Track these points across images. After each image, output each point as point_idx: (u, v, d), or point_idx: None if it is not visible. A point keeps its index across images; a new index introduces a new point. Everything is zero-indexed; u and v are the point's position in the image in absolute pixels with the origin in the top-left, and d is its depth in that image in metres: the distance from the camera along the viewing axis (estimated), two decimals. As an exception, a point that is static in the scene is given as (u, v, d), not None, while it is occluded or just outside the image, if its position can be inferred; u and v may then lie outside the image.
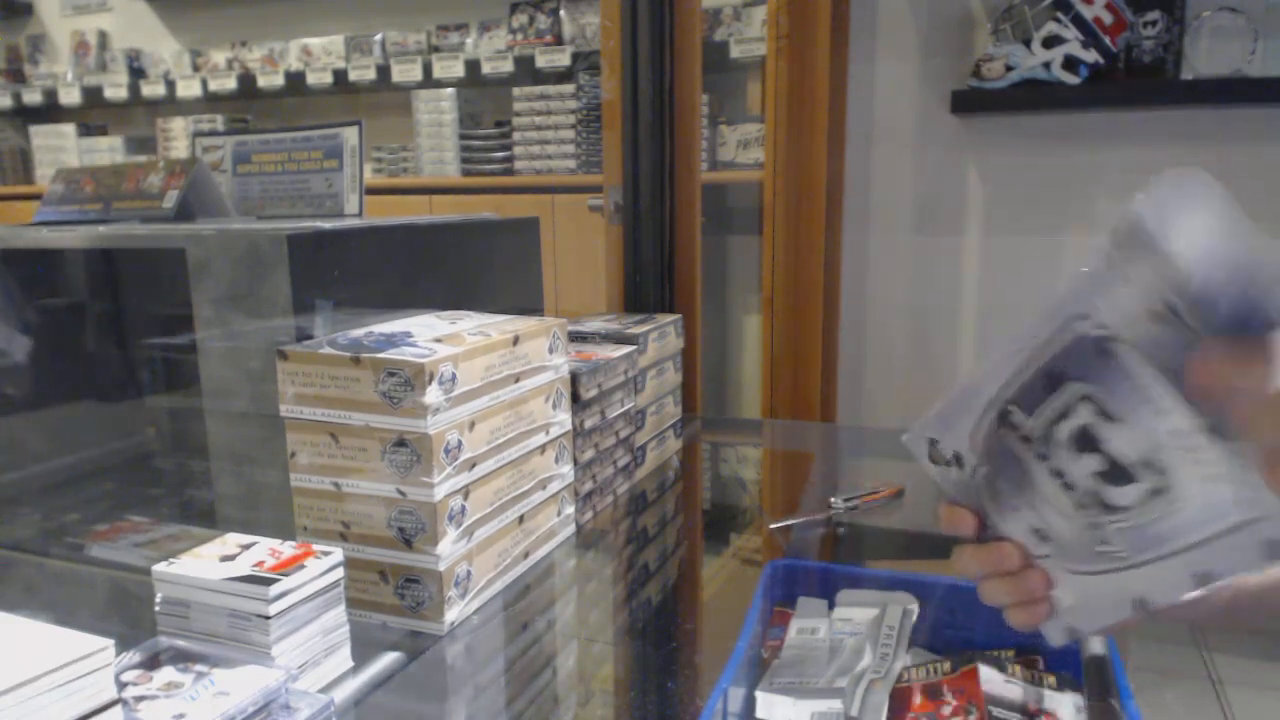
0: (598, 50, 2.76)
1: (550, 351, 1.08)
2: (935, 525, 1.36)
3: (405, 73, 3.32)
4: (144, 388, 1.27)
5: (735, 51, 2.81)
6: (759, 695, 0.75)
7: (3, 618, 0.60)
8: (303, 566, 0.77)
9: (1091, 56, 2.11)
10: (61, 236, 1.22)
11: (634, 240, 1.75)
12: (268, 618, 0.73)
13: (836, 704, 0.72)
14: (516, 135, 3.13)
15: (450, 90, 3.23)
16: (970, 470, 0.57)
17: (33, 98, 3.99)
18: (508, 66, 3.16)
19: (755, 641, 0.82)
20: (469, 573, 0.94)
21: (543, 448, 1.08)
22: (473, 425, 0.93)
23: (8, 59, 4.25)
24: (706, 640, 0.95)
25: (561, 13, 3.11)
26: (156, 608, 0.77)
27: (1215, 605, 0.59)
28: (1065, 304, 0.49)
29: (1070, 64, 2.12)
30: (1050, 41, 2.13)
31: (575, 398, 1.16)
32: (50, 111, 4.03)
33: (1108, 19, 2.10)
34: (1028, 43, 2.16)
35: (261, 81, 3.55)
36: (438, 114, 3.25)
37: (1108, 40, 2.10)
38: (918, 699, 0.73)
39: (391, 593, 0.91)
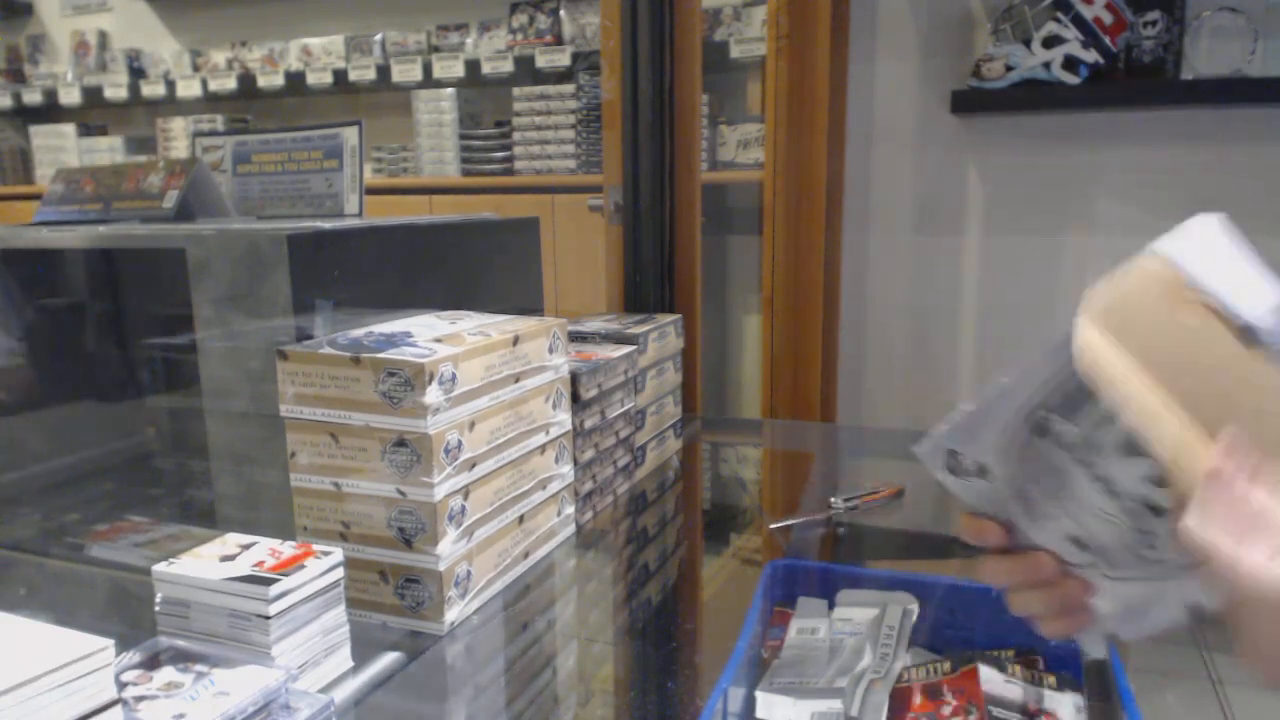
0: (598, 50, 2.76)
1: (550, 351, 1.08)
2: (935, 525, 1.36)
3: (405, 73, 3.32)
4: (144, 388, 1.27)
5: (735, 51, 2.81)
6: (759, 695, 0.75)
7: (3, 618, 0.60)
8: (303, 566, 0.77)
9: (1091, 56, 2.11)
10: (61, 236, 1.22)
11: (634, 240, 1.75)
12: (268, 618, 0.73)
13: (836, 704, 0.72)
14: (516, 135, 3.13)
15: (450, 90, 3.23)
16: (998, 481, 0.56)
17: (33, 98, 3.99)
18: (508, 66, 3.16)
19: (755, 641, 0.82)
20: (469, 573, 0.94)
21: (543, 448, 1.08)
22: (473, 425, 0.93)
23: (8, 59, 4.25)
24: (706, 640, 0.95)
25: (561, 13, 3.11)
26: (156, 608, 0.77)
27: None
28: None
29: (1070, 64, 2.12)
30: (1050, 41, 2.13)
31: (575, 398, 1.16)
32: (50, 111, 4.03)
33: (1108, 19, 2.10)
34: (1028, 43, 2.16)
35: (261, 81, 3.55)
36: (438, 114, 3.25)
37: (1108, 40, 2.10)
38: (918, 699, 0.73)
39: (391, 593, 0.91)
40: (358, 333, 0.97)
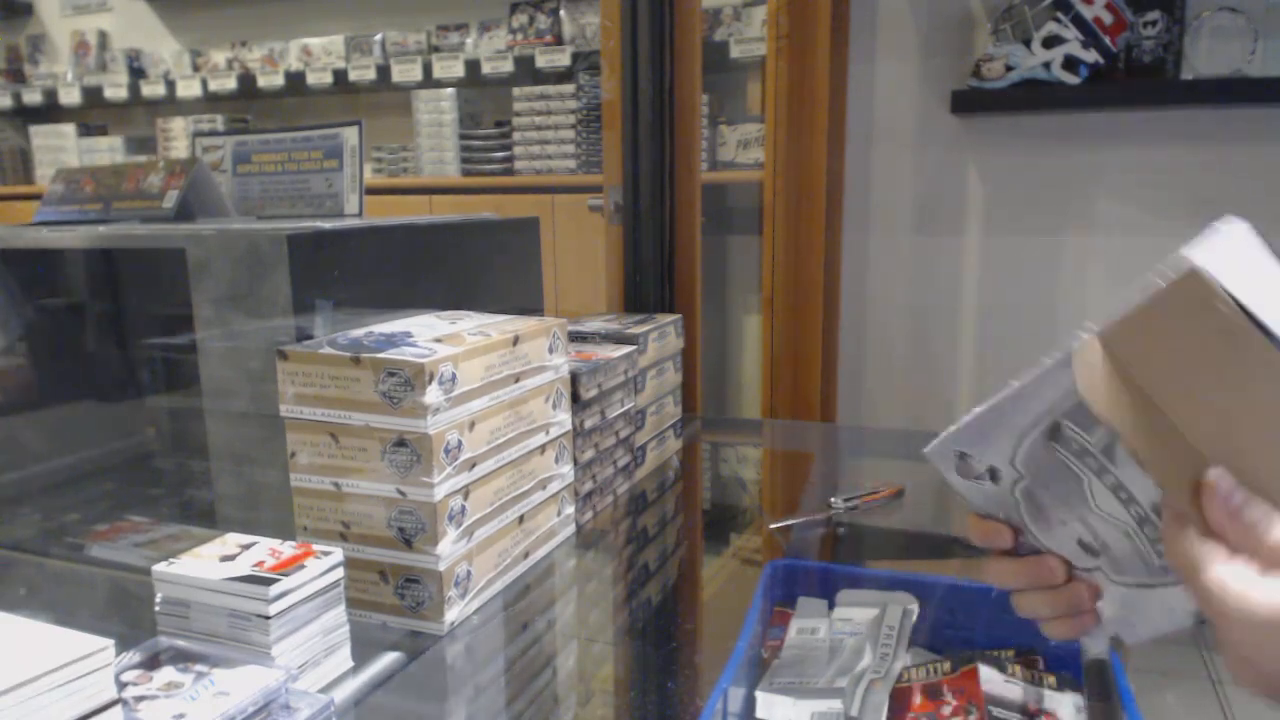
0: (598, 50, 2.76)
1: (550, 351, 1.08)
2: (935, 525, 1.36)
3: (405, 73, 3.32)
4: (144, 388, 1.27)
5: (735, 51, 2.81)
6: (759, 695, 0.75)
7: (3, 618, 0.60)
8: (303, 566, 0.77)
9: (1091, 56, 2.11)
10: (61, 236, 1.22)
11: (634, 240, 1.75)
12: (268, 618, 0.73)
13: (836, 704, 0.72)
14: (516, 135, 3.13)
15: (450, 90, 3.23)
16: (1008, 485, 0.56)
17: (33, 98, 3.99)
18: (508, 66, 3.16)
19: (755, 641, 0.82)
20: (469, 573, 0.94)
21: (543, 448, 1.08)
22: (473, 425, 0.93)
23: (8, 59, 4.25)
24: (706, 640, 0.95)
25: (561, 13, 3.11)
26: (156, 608, 0.77)
27: None
28: None
29: (1070, 64, 2.12)
30: (1050, 41, 2.13)
31: (575, 398, 1.16)
32: (50, 111, 4.03)
33: (1108, 19, 2.10)
34: (1028, 43, 2.16)
35: (261, 81, 3.55)
36: (438, 114, 3.25)
37: (1108, 40, 2.10)
38: (918, 699, 0.73)
39: (391, 593, 0.91)
40: (358, 333, 0.97)
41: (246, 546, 0.80)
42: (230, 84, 3.61)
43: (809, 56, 2.23)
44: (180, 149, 3.74)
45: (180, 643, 0.73)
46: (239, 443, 1.02)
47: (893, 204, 2.48)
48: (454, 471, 0.90)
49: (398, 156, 3.42)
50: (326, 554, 0.79)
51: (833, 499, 1.25)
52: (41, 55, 4.20)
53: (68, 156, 3.95)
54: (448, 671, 0.87)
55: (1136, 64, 2.16)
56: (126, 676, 0.67)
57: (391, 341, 0.92)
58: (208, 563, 0.77)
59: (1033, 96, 2.19)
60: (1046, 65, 2.14)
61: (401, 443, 0.87)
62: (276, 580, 0.74)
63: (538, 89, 3.08)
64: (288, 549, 0.80)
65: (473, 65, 3.21)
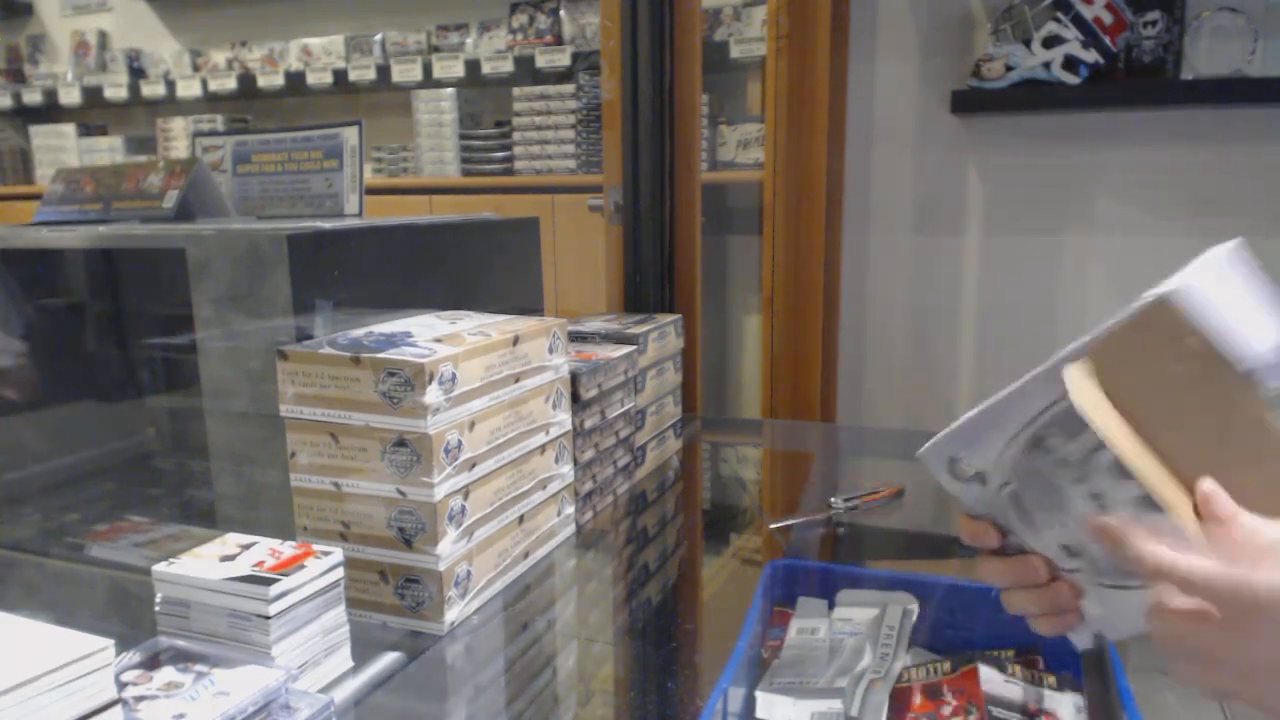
0: (598, 50, 2.76)
1: (550, 351, 1.08)
2: (935, 525, 1.36)
3: (405, 73, 3.32)
4: (144, 388, 1.27)
5: (735, 51, 2.81)
6: (759, 695, 0.75)
7: (3, 618, 0.60)
8: (303, 566, 0.77)
9: (1091, 56, 2.11)
10: (61, 236, 1.22)
11: (634, 240, 1.75)
12: (268, 618, 0.73)
13: (836, 704, 0.72)
14: (516, 135, 3.13)
15: (450, 90, 3.23)
16: (995, 488, 0.58)
17: (33, 98, 3.98)
18: (508, 66, 3.16)
19: (755, 641, 0.82)
20: (469, 573, 0.94)
21: (543, 448, 1.08)
22: (473, 425, 0.93)
23: (8, 59, 4.25)
24: (706, 640, 0.95)
25: (561, 13, 3.11)
26: (156, 608, 0.77)
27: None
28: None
29: (1070, 64, 2.12)
30: (1050, 41, 2.13)
31: (575, 398, 1.16)
32: (50, 111, 4.02)
33: (1108, 19, 2.10)
34: (1028, 43, 2.16)
35: (261, 81, 3.55)
36: (438, 114, 3.25)
37: (1108, 40, 2.10)
38: (918, 699, 0.73)
39: (391, 593, 0.91)
40: (358, 333, 0.97)
41: (246, 546, 0.80)
42: (230, 84, 3.61)
43: (809, 56, 2.23)
44: (180, 149, 3.73)
45: (180, 643, 0.73)
46: (239, 443, 1.02)
47: (893, 204, 2.48)
48: (454, 471, 0.90)
49: (398, 156, 3.42)
50: (326, 554, 0.79)
51: (833, 499, 1.25)
52: (41, 55, 4.20)
53: (68, 156, 3.95)
54: (448, 671, 0.87)
55: (1136, 64, 2.16)
56: (126, 676, 0.67)
57: (391, 341, 0.92)
58: (208, 563, 0.77)
59: (1033, 96, 2.19)
60: (1046, 65, 2.14)
61: (401, 443, 0.87)
62: (276, 580, 0.74)
63: (538, 89, 3.07)
64: (288, 549, 0.80)
65: (473, 65, 3.21)
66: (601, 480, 1.26)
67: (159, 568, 0.76)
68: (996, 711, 0.70)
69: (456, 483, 0.91)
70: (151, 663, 0.70)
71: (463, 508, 0.92)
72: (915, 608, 0.83)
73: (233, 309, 0.99)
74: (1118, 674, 0.68)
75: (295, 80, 3.51)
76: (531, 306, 1.41)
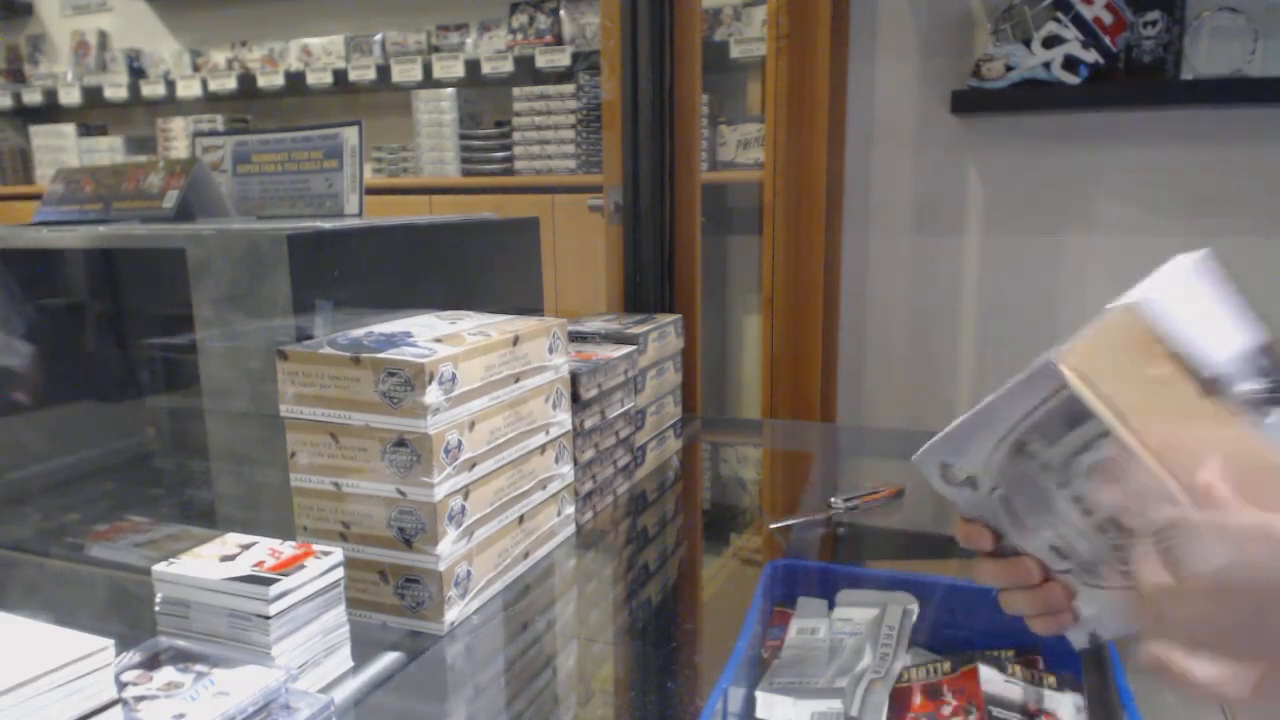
0: (598, 50, 2.76)
1: (550, 351, 1.08)
2: (935, 525, 1.36)
3: (405, 73, 3.32)
4: (144, 388, 1.27)
5: (735, 51, 2.81)
6: (759, 695, 0.75)
7: (3, 618, 0.60)
8: (303, 566, 0.77)
9: (1091, 56, 2.11)
10: (61, 236, 1.22)
11: (634, 240, 1.75)
12: (268, 618, 0.73)
13: (836, 704, 0.72)
14: (516, 135, 3.13)
15: (450, 90, 3.23)
16: (986, 492, 0.59)
17: (33, 98, 3.98)
18: (508, 66, 3.16)
19: (755, 641, 0.82)
20: (469, 573, 0.94)
21: (543, 448, 1.08)
22: (473, 425, 0.93)
23: (8, 59, 4.25)
24: (706, 640, 0.95)
25: (561, 13, 3.11)
26: (156, 608, 0.77)
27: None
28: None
29: (1070, 64, 2.12)
30: (1050, 41, 2.13)
31: (575, 398, 1.16)
32: (50, 111, 4.02)
33: (1108, 19, 2.10)
34: (1028, 43, 2.16)
35: (261, 81, 3.55)
36: (438, 114, 3.25)
37: (1108, 40, 2.10)
38: (918, 699, 0.73)
39: (391, 593, 0.91)
40: (358, 333, 0.97)
41: (246, 546, 0.80)
42: (230, 84, 3.61)
43: (809, 56, 2.23)
44: (180, 149, 3.73)
45: (180, 643, 0.73)
46: (239, 443, 1.02)
47: (893, 204, 2.48)
48: (454, 471, 0.90)
49: (398, 156, 3.42)
50: (326, 554, 0.79)
51: (833, 499, 1.25)
52: (41, 55, 4.20)
53: (68, 156, 3.95)
54: (448, 671, 0.87)
55: (1136, 64, 2.16)
56: (126, 676, 0.67)
57: (391, 341, 0.92)
58: (208, 563, 0.77)
59: (1033, 96, 2.19)
60: (1046, 65, 2.14)
61: (401, 443, 0.87)
62: (276, 580, 0.74)
63: (538, 89, 3.07)
64: (288, 549, 0.80)
65: (473, 65, 3.21)
66: (601, 480, 1.26)
67: (159, 568, 0.76)
68: (996, 711, 0.70)
69: (456, 483, 0.91)
70: (151, 663, 0.70)
71: (463, 508, 0.92)
72: (915, 608, 0.83)
73: (233, 309, 0.99)
74: (1118, 674, 0.68)
75: (295, 80, 3.51)
76: (531, 306, 1.41)
